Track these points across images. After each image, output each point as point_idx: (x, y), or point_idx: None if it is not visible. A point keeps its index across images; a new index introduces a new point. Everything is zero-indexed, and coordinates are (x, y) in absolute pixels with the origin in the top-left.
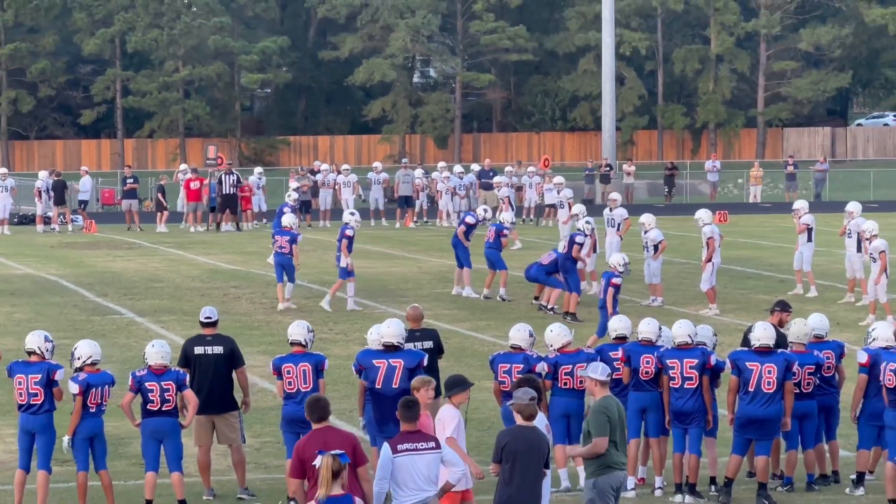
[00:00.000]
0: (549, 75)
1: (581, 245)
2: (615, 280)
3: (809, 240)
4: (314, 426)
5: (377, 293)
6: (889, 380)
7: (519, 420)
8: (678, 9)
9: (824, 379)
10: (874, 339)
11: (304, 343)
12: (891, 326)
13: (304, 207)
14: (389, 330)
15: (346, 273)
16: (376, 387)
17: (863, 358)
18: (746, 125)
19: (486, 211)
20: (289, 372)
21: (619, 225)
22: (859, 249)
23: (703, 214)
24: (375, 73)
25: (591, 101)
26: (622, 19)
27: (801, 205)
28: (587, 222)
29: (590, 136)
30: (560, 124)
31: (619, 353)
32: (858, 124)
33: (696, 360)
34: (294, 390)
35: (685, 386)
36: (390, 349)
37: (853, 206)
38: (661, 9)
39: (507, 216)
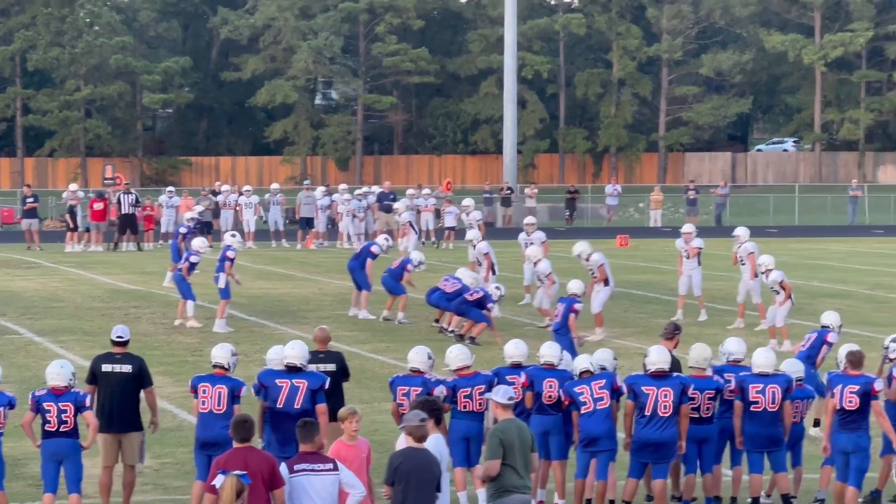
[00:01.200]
0: (450, 98)
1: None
2: (576, 306)
3: (699, 263)
4: (236, 445)
5: (278, 314)
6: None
7: (410, 442)
8: (580, 33)
9: (728, 402)
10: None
11: (226, 366)
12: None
13: (206, 228)
14: (293, 351)
15: (227, 293)
16: (278, 406)
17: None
18: (648, 149)
19: (387, 240)
20: (204, 391)
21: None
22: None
23: (582, 247)
24: (277, 95)
25: (493, 124)
26: (524, 42)
27: (690, 228)
28: (496, 288)
29: (491, 159)
30: (461, 147)
31: (523, 378)
32: (758, 150)
33: (605, 380)
34: (207, 411)
35: (597, 407)
36: (293, 370)
37: (741, 231)
38: (564, 32)
39: (416, 256)
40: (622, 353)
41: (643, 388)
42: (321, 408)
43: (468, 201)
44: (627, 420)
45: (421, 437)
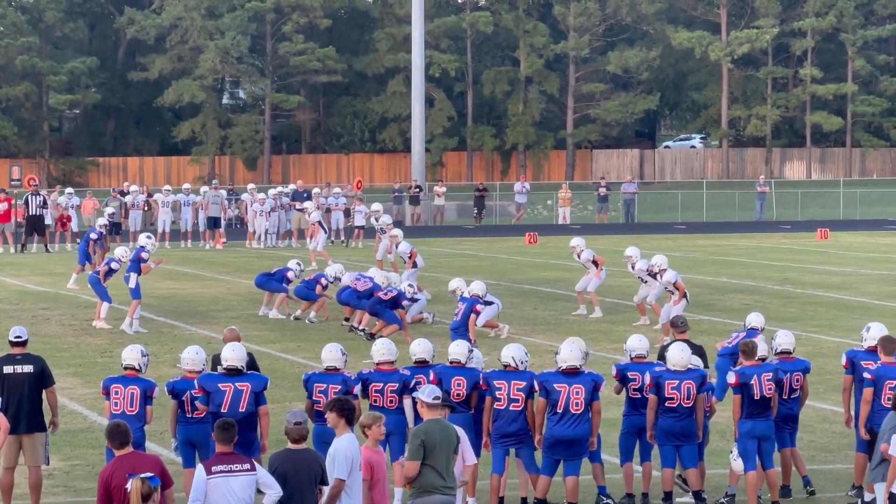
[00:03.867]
0: (358, 97)
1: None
2: (478, 307)
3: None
4: (117, 452)
5: (187, 314)
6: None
7: (289, 443)
8: (488, 31)
9: (645, 400)
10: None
11: (137, 367)
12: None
13: (115, 229)
14: (233, 354)
15: (138, 294)
16: (223, 411)
17: (732, 378)
18: (556, 147)
19: (299, 265)
20: (116, 392)
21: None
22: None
23: (578, 242)
24: (185, 95)
25: (401, 123)
26: (432, 41)
27: (577, 242)
28: (409, 285)
29: (399, 157)
30: (369, 146)
31: (431, 376)
32: (666, 146)
33: (525, 383)
34: (119, 412)
35: (510, 408)
36: (234, 373)
37: (576, 242)
38: (471, 31)
39: (332, 270)
40: (532, 351)
41: (555, 385)
42: (264, 409)
43: (377, 206)
44: (538, 417)
45: (298, 438)
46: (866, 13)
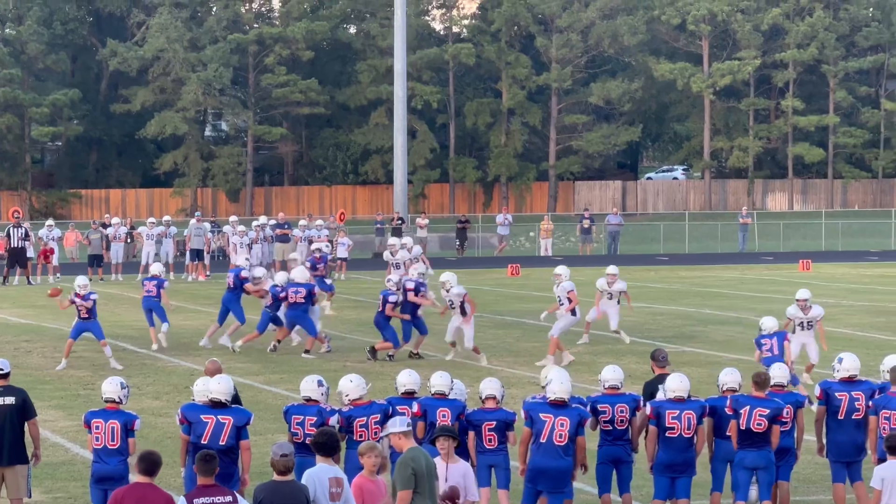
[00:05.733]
0: (340, 129)
1: (394, 304)
2: (391, 298)
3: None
4: (139, 478)
5: (170, 346)
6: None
7: (274, 475)
8: (470, 62)
9: (617, 431)
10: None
11: (117, 400)
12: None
13: (96, 261)
14: (219, 387)
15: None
16: (203, 442)
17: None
18: (538, 178)
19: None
20: (97, 427)
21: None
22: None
23: (562, 270)
24: (167, 127)
25: (383, 155)
26: (414, 73)
27: (562, 270)
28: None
29: (381, 189)
30: (352, 178)
31: (415, 408)
32: (648, 178)
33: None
34: (101, 446)
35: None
36: (218, 405)
37: (561, 270)
38: (453, 62)
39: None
40: (514, 383)
41: (541, 415)
42: (245, 444)
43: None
44: (521, 447)
45: (284, 470)
46: (847, 45)
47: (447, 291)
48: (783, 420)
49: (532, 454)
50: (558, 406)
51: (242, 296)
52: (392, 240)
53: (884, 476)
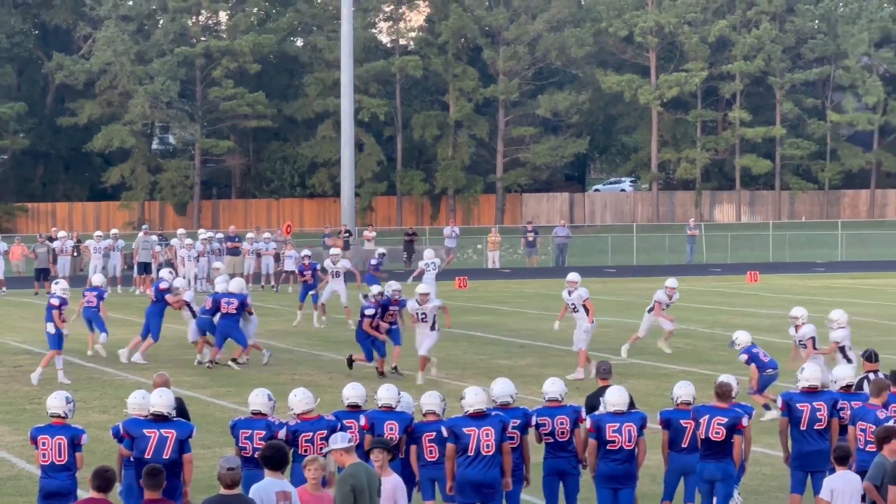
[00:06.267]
0: (288, 141)
1: (371, 317)
2: (367, 312)
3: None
4: (93, 494)
5: (117, 360)
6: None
7: (221, 488)
8: (417, 75)
9: (559, 444)
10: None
11: (63, 415)
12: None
13: (43, 275)
14: (161, 400)
15: (58, 343)
16: (146, 457)
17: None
18: (485, 191)
19: (171, 273)
20: (44, 444)
21: None
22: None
23: (574, 277)
24: (114, 140)
25: (330, 167)
26: (361, 85)
27: (576, 278)
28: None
29: (329, 202)
30: (299, 190)
31: (363, 421)
32: (596, 190)
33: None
34: (48, 462)
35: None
36: (160, 419)
37: (575, 277)
38: (400, 75)
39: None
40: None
41: (464, 429)
42: (188, 457)
43: (306, 251)
44: (449, 463)
45: (231, 483)
46: (794, 56)
47: (419, 304)
48: (741, 429)
49: (461, 468)
50: (478, 417)
51: (167, 309)
52: (333, 249)
53: (833, 487)
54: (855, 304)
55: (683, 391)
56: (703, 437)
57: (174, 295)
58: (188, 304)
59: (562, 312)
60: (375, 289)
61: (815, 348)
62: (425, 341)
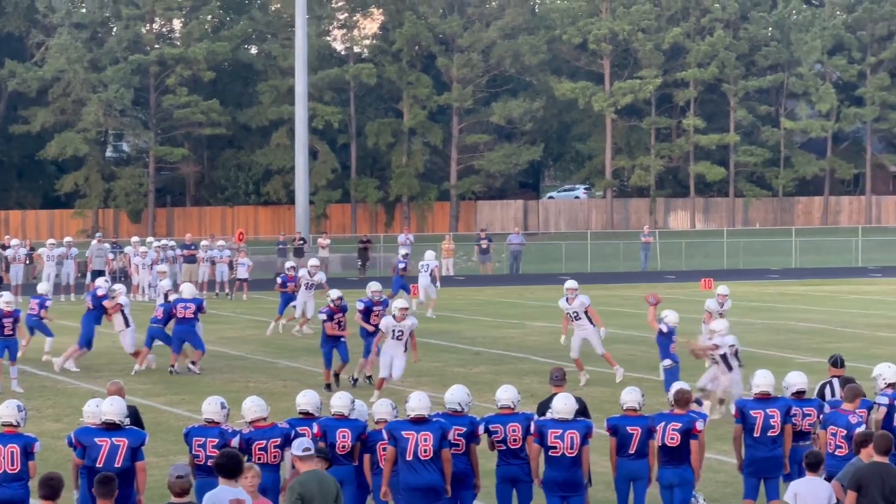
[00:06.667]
0: (242, 149)
1: (328, 321)
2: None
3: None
4: (41, 502)
5: (67, 369)
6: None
7: (172, 497)
8: (371, 83)
9: (511, 451)
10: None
11: (14, 423)
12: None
13: None
14: (112, 408)
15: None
16: (98, 465)
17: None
18: (439, 198)
19: (107, 282)
20: None
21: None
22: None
23: (572, 284)
24: (68, 148)
25: (285, 175)
26: (315, 93)
27: (575, 285)
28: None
29: (283, 209)
30: (253, 198)
31: (315, 429)
32: (550, 197)
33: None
34: (0, 472)
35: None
36: (112, 427)
37: (574, 284)
38: (354, 82)
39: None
40: None
41: (403, 433)
42: (141, 465)
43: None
44: (387, 466)
45: (181, 492)
46: (747, 64)
47: (397, 321)
48: (696, 434)
49: (400, 472)
50: (419, 422)
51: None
52: (312, 260)
53: (797, 491)
54: (809, 311)
55: (629, 397)
56: (659, 443)
57: (111, 300)
58: (122, 311)
59: (564, 325)
60: (335, 293)
61: (727, 360)
62: (397, 363)
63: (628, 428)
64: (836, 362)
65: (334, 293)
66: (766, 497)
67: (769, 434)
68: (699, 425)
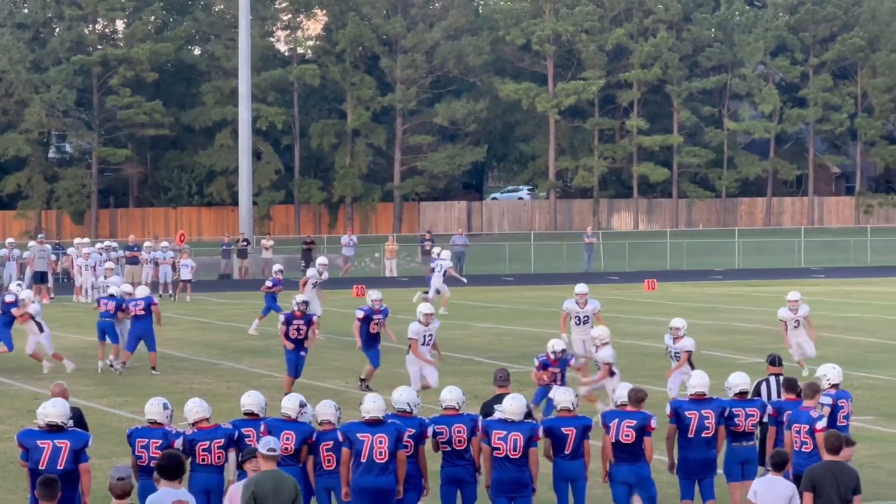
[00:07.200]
0: (185, 150)
1: (285, 324)
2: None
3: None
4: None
5: (12, 370)
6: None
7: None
8: (315, 84)
9: (456, 452)
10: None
11: None
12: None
13: None
14: (54, 410)
15: None
16: (40, 468)
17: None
18: (383, 199)
19: (19, 286)
20: None
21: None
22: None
23: (582, 288)
24: (10, 148)
25: (228, 176)
26: (259, 94)
27: (585, 289)
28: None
29: (227, 210)
30: (197, 199)
31: (263, 430)
32: (494, 198)
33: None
34: None
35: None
36: (55, 429)
37: (585, 288)
38: (298, 83)
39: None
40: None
41: (358, 435)
42: (84, 467)
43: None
44: (343, 469)
45: (122, 494)
46: (691, 65)
47: (424, 325)
48: (650, 431)
49: (355, 474)
50: (374, 424)
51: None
52: (321, 258)
53: (757, 489)
54: (751, 312)
55: (562, 398)
56: (613, 440)
57: (19, 308)
58: (33, 318)
59: (563, 325)
60: (300, 297)
61: (690, 362)
62: (428, 370)
63: (563, 429)
64: (774, 361)
65: (374, 294)
66: (702, 497)
67: (703, 435)
68: (654, 423)
